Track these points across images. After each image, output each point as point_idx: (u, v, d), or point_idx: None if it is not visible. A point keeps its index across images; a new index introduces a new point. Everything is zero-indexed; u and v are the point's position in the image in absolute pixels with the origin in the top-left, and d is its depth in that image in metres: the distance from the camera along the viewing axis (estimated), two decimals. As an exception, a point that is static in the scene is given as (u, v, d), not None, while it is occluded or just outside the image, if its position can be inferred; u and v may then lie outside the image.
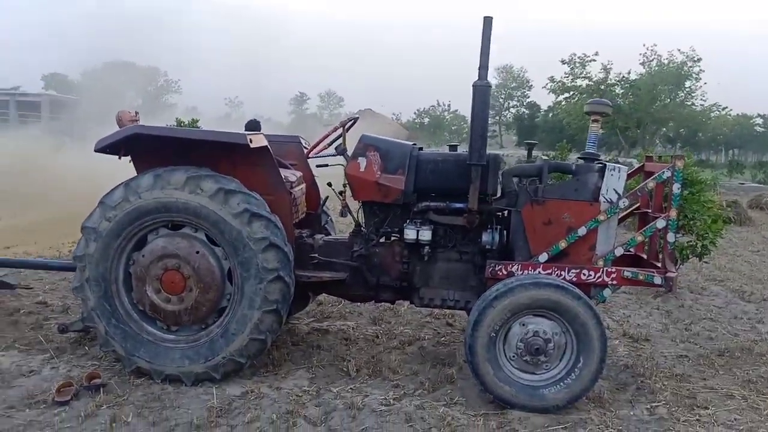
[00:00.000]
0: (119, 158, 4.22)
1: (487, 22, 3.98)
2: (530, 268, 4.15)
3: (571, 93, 42.97)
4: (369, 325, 5.59)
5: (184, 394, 3.99)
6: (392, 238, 4.60)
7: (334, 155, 4.70)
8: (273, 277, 3.98)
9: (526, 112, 65.03)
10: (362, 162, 4.42)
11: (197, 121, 10.56)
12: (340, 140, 4.65)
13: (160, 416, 3.68)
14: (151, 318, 4.16)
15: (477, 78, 4.07)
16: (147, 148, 4.14)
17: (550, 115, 53.22)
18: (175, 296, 4.07)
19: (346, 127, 4.69)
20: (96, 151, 4.13)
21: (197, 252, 4.04)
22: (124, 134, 4.02)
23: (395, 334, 5.37)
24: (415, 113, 69.56)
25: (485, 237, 4.35)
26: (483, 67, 4.04)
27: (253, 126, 7.25)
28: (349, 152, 4.52)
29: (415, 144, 4.66)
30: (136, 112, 5.60)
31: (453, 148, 4.76)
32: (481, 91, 4.07)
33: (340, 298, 5.29)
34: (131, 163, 4.31)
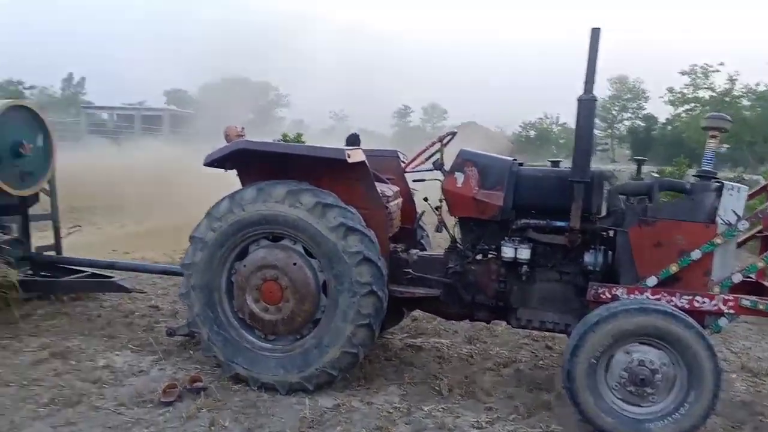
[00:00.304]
0: (225, 171, 4.41)
1: (595, 33, 3.83)
2: (637, 292, 3.92)
3: (692, 105, 40.62)
4: (464, 344, 5.48)
5: (278, 402, 4.07)
6: (489, 256, 4.49)
7: (431, 170, 4.67)
8: (366, 291, 4.00)
9: (642, 124, 61.95)
10: (459, 177, 4.36)
11: (302, 135, 10.91)
12: (438, 155, 4.61)
13: (254, 423, 3.78)
14: (250, 326, 4.30)
15: (582, 92, 3.92)
16: (251, 162, 4.30)
17: (669, 128, 50.49)
18: (272, 306, 4.18)
19: (444, 141, 4.65)
20: (205, 164, 4.34)
21: (294, 264, 4.13)
22: (231, 149, 4.20)
23: (491, 354, 5.24)
24: (520, 126, 68.18)
25: (588, 257, 4.15)
26: (589, 81, 3.88)
27: (353, 140, 7.39)
28: (447, 167, 4.48)
29: (515, 159, 4.55)
30: (242, 128, 5.85)
31: (555, 164, 4.60)
32: (586, 106, 3.91)
33: (434, 315, 5.23)
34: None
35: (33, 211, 6.42)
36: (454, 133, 4.78)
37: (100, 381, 4.31)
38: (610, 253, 4.22)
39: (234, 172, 4.47)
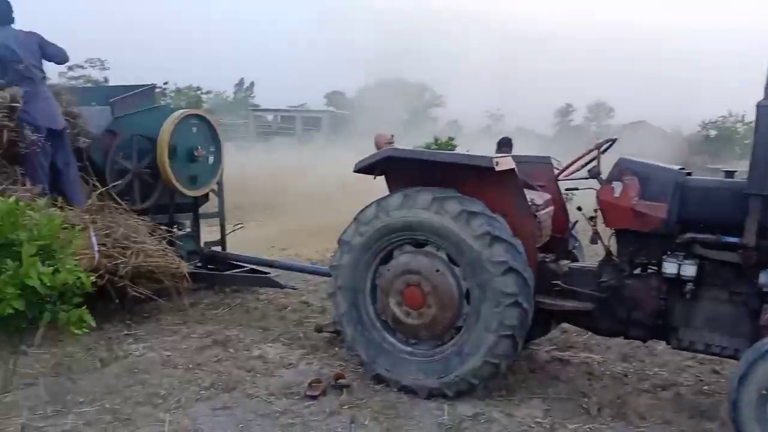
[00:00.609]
0: (374, 178, 4.52)
1: None
2: (822, 321, 3.43)
3: None
4: (617, 362, 5.15)
5: (417, 405, 4.09)
6: (648, 271, 4.19)
7: (586, 178, 4.44)
8: (510, 302, 3.89)
9: None
10: (617, 187, 4.11)
11: (453, 139, 10.92)
12: (595, 162, 4.37)
13: (393, 424, 3.83)
14: (392, 329, 4.36)
15: (763, 96, 3.54)
16: (399, 169, 4.36)
17: None
18: (414, 311, 4.20)
19: (602, 149, 4.40)
20: (355, 171, 4.50)
21: (437, 270, 4.12)
22: (379, 157, 4.30)
23: (648, 375, 4.87)
24: (699, 125, 62.58)
25: (764, 278, 3.72)
26: None
27: (505, 143, 7.24)
28: (604, 176, 4.24)
29: (682, 168, 4.20)
30: (392, 135, 5.97)
31: (729, 174, 4.17)
32: (765, 112, 3.52)
33: (584, 329, 4.97)
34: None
35: (203, 209, 7.05)
36: (613, 140, 4.51)
37: (254, 370, 4.60)
38: (792, 274, 3.75)
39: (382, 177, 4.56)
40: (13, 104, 5.06)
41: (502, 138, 7.50)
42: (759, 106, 3.60)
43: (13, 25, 5.38)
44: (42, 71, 5.43)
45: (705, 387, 4.68)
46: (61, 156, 5.41)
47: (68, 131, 5.51)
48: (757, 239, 3.69)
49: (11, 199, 3.90)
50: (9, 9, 5.35)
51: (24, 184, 5.07)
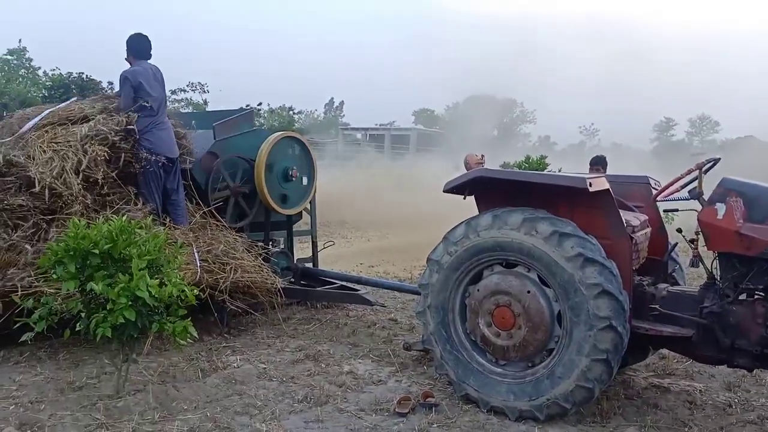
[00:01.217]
0: (464, 198, 4.55)
1: None
2: None
3: None
4: (721, 391, 4.87)
5: (507, 428, 4.05)
6: (755, 296, 3.96)
7: (686, 199, 4.27)
8: (604, 326, 3.79)
9: None
10: (720, 208, 3.93)
11: (545, 157, 10.75)
12: (696, 183, 4.20)
13: (483, 446, 3.81)
14: (482, 349, 4.34)
15: None
16: (489, 189, 4.37)
17: None
18: (504, 331, 4.17)
19: (704, 169, 4.22)
20: (444, 191, 4.54)
21: (528, 291, 4.08)
22: (469, 177, 4.32)
23: (754, 405, 4.58)
24: (819, 140, 58.03)
25: None
26: None
27: (598, 162, 7.06)
28: (706, 197, 4.07)
29: None
30: (482, 155, 5.99)
31: None
32: None
33: (684, 356, 4.75)
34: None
35: (296, 227, 7.31)
36: (716, 160, 4.32)
37: (344, 385, 4.71)
38: None
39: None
40: (129, 127, 5.49)
41: (595, 156, 7.30)
42: None
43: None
44: (165, 104, 5.92)
45: (818, 421, 4.34)
46: (171, 181, 5.83)
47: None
48: None
49: (124, 218, 4.22)
50: (149, 45, 5.90)
51: (136, 204, 5.48)
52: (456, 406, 4.35)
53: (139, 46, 5.83)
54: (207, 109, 21.57)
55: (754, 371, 4.58)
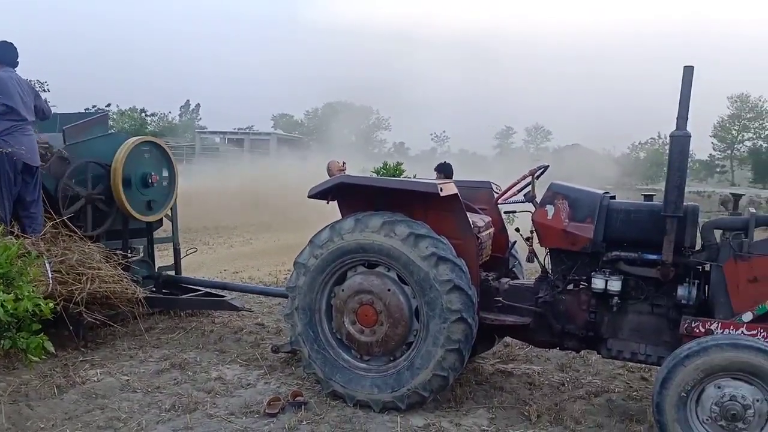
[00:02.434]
0: (327, 203, 4.78)
1: (687, 72, 3.91)
2: (732, 328, 3.87)
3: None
4: (555, 372, 5.51)
5: (372, 419, 4.32)
6: (580, 286, 4.56)
7: (522, 202, 4.81)
8: (456, 318, 4.19)
9: (765, 145, 57.84)
10: (550, 210, 4.48)
11: (401, 164, 11.32)
12: (530, 187, 4.75)
13: (350, 438, 4.05)
14: (347, 346, 4.59)
15: (675, 128, 3.97)
16: (351, 194, 4.64)
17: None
18: (368, 328, 4.45)
19: (536, 175, 4.78)
20: (309, 197, 4.73)
21: (389, 290, 4.39)
22: (332, 183, 4.56)
23: (582, 383, 5.24)
24: (628, 147, 65.28)
25: (681, 291, 4.14)
26: (681, 117, 3.95)
27: (441, 169, 7.47)
28: (538, 199, 4.61)
29: (606, 192, 4.61)
30: (344, 162, 6.24)
31: (648, 197, 4.62)
32: (679, 142, 3.97)
33: (523, 342, 5.32)
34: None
35: (156, 234, 7.14)
36: (546, 167, 4.90)
37: (213, 391, 4.74)
38: (704, 287, 4.19)
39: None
40: None
41: (439, 164, 7.68)
42: (672, 136, 4.03)
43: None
44: (31, 114, 5.62)
45: (634, 393, 5.06)
46: (31, 192, 5.53)
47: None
48: (674, 256, 4.10)
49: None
50: (16, 53, 5.65)
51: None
52: (324, 402, 4.55)
53: (4, 53, 5.58)
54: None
55: (582, 352, 5.24)
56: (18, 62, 5.68)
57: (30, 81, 5.98)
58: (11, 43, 5.64)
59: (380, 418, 4.34)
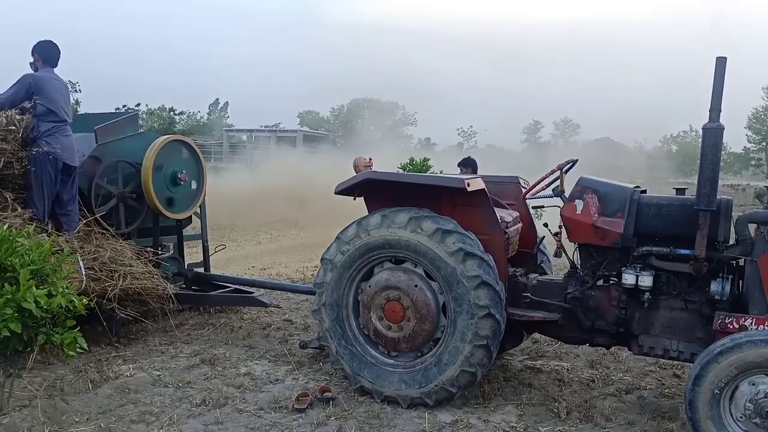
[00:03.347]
0: (354, 199, 4.79)
1: (720, 63, 3.84)
2: (766, 324, 3.78)
3: None
4: (585, 368, 5.46)
5: (399, 415, 4.33)
6: (610, 282, 4.51)
7: (551, 196, 4.76)
8: (484, 314, 4.17)
9: (800, 136, 56.44)
10: (579, 204, 4.43)
11: (428, 160, 11.28)
12: (558, 182, 4.70)
13: (378, 433, 4.07)
14: (374, 342, 4.60)
15: (708, 120, 3.90)
16: (377, 190, 4.64)
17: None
18: (395, 324, 4.46)
19: (565, 169, 4.73)
20: (336, 193, 4.75)
21: (416, 285, 4.39)
22: (358, 179, 4.57)
23: (613, 380, 5.18)
24: (660, 141, 64.22)
25: (714, 286, 4.06)
26: (714, 109, 3.90)
27: (465, 164, 7.43)
28: (567, 194, 4.56)
29: (637, 187, 4.55)
30: (370, 158, 6.23)
31: (680, 191, 4.53)
32: (711, 134, 3.91)
33: (553, 338, 5.27)
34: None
35: (186, 231, 7.24)
36: (574, 161, 4.84)
37: (242, 386, 4.80)
38: (738, 282, 4.11)
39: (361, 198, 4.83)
40: (10, 127, 5.27)
41: (464, 159, 7.66)
42: (704, 128, 3.96)
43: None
44: (70, 115, 5.75)
45: (666, 390, 4.99)
46: (68, 191, 5.66)
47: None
48: (707, 251, 4.03)
49: (5, 227, 4.07)
50: (59, 53, 5.74)
51: (15, 210, 5.24)
52: (352, 398, 4.57)
53: (48, 53, 5.67)
54: (79, 111, 20.39)
55: (612, 348, 5.17)
56: (58, 63, 5.77)
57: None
58: (55, 44, 5.72)
59: (408, 414, 4.34)
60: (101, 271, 5.39)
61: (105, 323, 5.59)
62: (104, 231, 5.85)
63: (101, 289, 5.27)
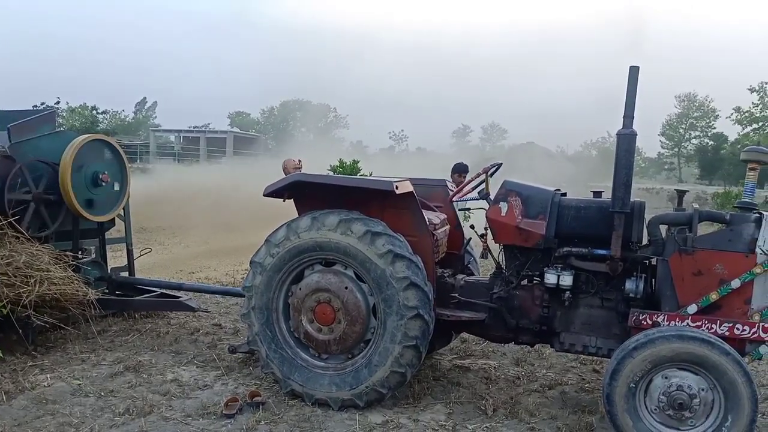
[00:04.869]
0: (283, 201, 4.76)
1: (633, 71, 4.04)
2: (677, 320, 4.02)
3: (761, 124, 39.30)
4: (511, 366, 5.62)
5: (330, 417, 4.34)
6: (533, 282, 4.66)
7: (477, 199, 4.88)
8: (413, 315, 4.23)
9: (711, 143, 60.08)
10: (503, 207, 4.56)
11: (358, 162, 11.32)
12: (484, 185, 4.82)
13: (308, 436, 4.06)
14: (305, 345, 4.59)
15: (622, 126, 4.10)
16: (307, 192, 4.63)
17: (739, 146, 49.07)
18: (325, 327, 4.46)
19: (490, 173, 4.86)
20: (264, 195, 4.70)
21: (346, 287, 4.41)
22: (288, 182, 4.54)
23: (537, 376, 5.36)
24: (581, 146, 66.97)
25: (629, 285, 4.28)
26: (627, 116, 4.09)
27: (458, 169, 7.79)
28: (492, 196, 4.69)
29: (558, 190, 4.72)
30: (299, 161, 6.21)
31: (597, 194, 4.74)
32: (625, 140, 4.10)
33: (480, 337, 5.41)
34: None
35: (110, 234, 6.99)
36: (499, 165, 4.98)
37: (169, 393, 4.68)
38: (651, 280, 4.34)
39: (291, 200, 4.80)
40: None
41: (456, 164, 8.01)
42: (618, 134, 4.15)
43: None
44: None
45: (587, 385, 5.21)
46: None
47: None
48: (622, 251, 4.23)
49: None
50: None
51: None
52: (282, 402, 4.54)
53: None
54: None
55: (536, 346, 5.35)
56: None
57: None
58: None
59: (339, 416, 4.35)
60: (15, 277, 5.13)
61: (20, 331, 5.33)
62: (18, 235, 5.57)
63: (15, 296, 5.03)
